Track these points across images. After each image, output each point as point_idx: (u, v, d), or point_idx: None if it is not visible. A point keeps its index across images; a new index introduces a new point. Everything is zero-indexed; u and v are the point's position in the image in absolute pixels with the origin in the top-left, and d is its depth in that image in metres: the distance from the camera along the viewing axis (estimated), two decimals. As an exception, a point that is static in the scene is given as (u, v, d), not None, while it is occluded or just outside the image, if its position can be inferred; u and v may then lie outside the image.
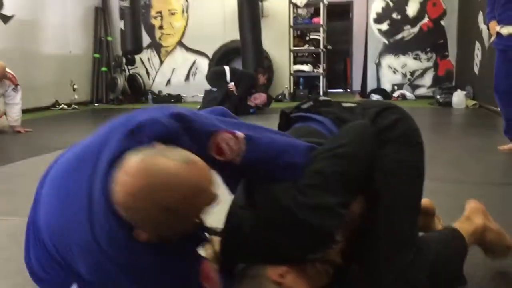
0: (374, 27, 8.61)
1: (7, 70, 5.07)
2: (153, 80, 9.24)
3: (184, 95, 8.89)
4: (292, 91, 8.61)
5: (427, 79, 8.49)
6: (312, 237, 1.09)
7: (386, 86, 8.62)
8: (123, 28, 7.71)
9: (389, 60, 8.62)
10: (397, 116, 1.28)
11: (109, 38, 8.99)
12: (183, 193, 0.92)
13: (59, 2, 8.00)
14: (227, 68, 6.43)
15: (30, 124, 5.62)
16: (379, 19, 8.57)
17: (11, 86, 5.21)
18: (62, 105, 7.72)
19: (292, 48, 8.59)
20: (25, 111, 6.89)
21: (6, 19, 6.87)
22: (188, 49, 9.06)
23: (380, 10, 8.55)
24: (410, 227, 1.24)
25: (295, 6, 8.56)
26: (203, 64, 8.88)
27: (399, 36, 8.50)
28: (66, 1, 8.18)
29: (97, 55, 8.85)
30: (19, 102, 5.24)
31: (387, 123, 1.25)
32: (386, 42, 8.59)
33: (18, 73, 6.95)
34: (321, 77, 8.65)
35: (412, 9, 8.40)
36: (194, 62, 9.07)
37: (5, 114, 5.26)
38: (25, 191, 2.51)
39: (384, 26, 8.56)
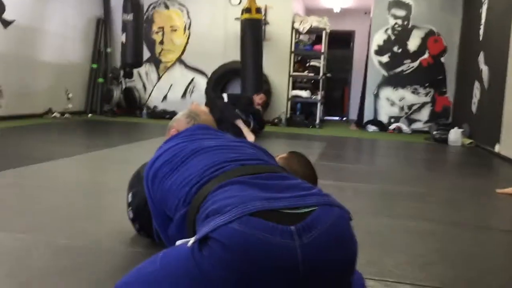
0: (374, 58, 8.64)
1: None
2: (150, 95, 9.18)
3: (180, 112, 8.80)
4: (288, 116, 8.57)
5: (424, 114, 8.50)
6: None
7: (383, 118, 8.61)
8: (123, 41, 7.66)
9: (387, 92, 8.63)
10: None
11: (109, 50, 8.95)
12: None
13: (61, 11, 7.97)
14: (225, 95, 6.60)
15: (21, 131, 5.49)
16: (380, 51, 8.61)
17: None
18: (55, 113, 7.62)
19: (291, 73, 8.58)
20: (18, 117, 6.81)
21: (6, 23, 6.81)
22: (187, 66, 9.03)
23: (381, 42, 8.59)
24: None
25: (297, 32, 8.59)
26: (201, 83, 8.85)
27: (398, 69, 8.54)
28: (68, 10, 8.15)
29: (94, 65, 8.79)
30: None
31: None
32: (386, 74, 8.61)
33: (14, 78, 6.90)
34: (318, 104, 8.64)
35: (413, 44, 8.46)
36: (192, 80, 9.02)
37: None
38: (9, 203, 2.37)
39: (385, 59, 8.60)
